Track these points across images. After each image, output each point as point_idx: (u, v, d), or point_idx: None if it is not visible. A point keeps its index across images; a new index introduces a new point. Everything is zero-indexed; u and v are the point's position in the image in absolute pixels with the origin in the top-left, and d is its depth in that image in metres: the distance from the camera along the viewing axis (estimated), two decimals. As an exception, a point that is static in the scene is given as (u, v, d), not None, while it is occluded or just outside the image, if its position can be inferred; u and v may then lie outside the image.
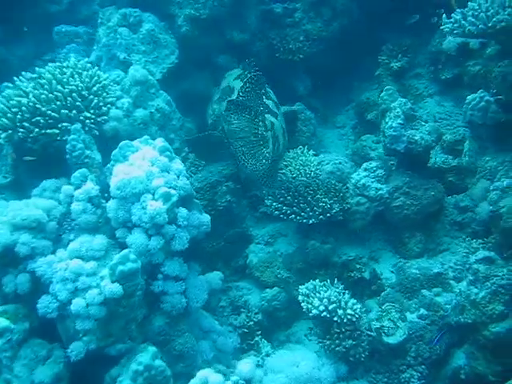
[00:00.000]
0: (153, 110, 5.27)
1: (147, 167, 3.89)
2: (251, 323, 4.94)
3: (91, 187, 4.00)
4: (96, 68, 5.07)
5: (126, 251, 3.71)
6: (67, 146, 4.49)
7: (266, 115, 4.29)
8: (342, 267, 4.91)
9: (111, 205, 3.93)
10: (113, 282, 3.71)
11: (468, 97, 4.59)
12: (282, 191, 4.79)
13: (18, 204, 4.12)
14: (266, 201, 4.87)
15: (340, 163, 5.06)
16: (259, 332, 4.93)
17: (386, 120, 4.85)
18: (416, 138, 4.76)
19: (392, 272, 4.87)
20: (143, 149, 4.05)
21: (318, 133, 6.33)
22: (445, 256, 4.77)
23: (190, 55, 5.80)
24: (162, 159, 4.00)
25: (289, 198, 4.71)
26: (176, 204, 3.92)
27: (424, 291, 4.51)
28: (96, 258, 3.90)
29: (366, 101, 6.24)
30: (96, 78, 4.95)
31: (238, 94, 4.49)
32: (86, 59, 5.14)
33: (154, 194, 3.87)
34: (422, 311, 4.40)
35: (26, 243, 3.91)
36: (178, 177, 4.06)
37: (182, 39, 5.66)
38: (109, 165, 4.22)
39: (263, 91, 4.52)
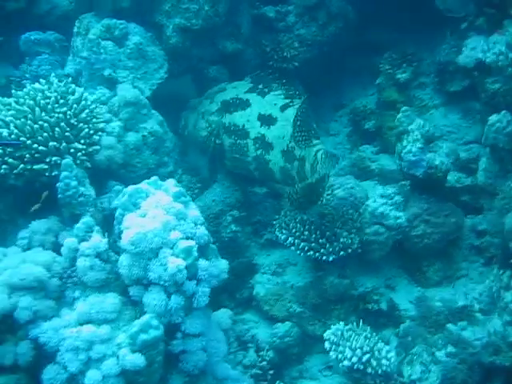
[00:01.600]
0: (145, 133, 4.80)
1: (163, 217, 3.47)
2: (264, 363, 4.63)
3: (99, 240, 3.56)
4: (82, 89, 4.55)
5: (147, 317, 3.32)
6: (60, 185, 4.01)
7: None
8: (358, 299, 4.65)
9: (124, 261, 3.50)
10: (133, 351, 3.30)
11: (491, 118, 4.33)
12: (298, 224, 4.43)
13: (14, 259, 3.64)
14: (278, 234, 4.51)
15: (352, 188, 4.74)
16: (272, 372, 4.63)
17: (404, 143, 4.56)
18: (436, 162, 4.50)
19: (411, 302, 4.63)
20: (156, 194, 3.62)
21: (313, 141, 6.00)
22: (467, 285, 4.57)
23: (180, 67, 5.31)
24: (177, 206, 3.58)
25: (306, 232, 4.37)
26: (197, 257, 3.52)
27: (450, 325, 4.29)
28: (109, 320, 3.48)
29: (363, 109, 5.94)
30: (84, 101, 4.44)
31: (297, 120, 4.27)
32: (70, 79, 4.59)
33: (172, 248, 3.45)
34: (450, 348, 4.19)
35: (27, 307, 3.44)
36: (195, 224, 3.64)
37: (172, 51, 5.15)
38: (116, 214, 3.75)
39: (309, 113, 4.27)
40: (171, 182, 3.74)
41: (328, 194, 4.74)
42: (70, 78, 4.55)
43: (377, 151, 5.68)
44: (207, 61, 5.46)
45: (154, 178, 3.82)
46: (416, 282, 4.76)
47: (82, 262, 3.53)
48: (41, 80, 4.53)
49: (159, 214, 3.47)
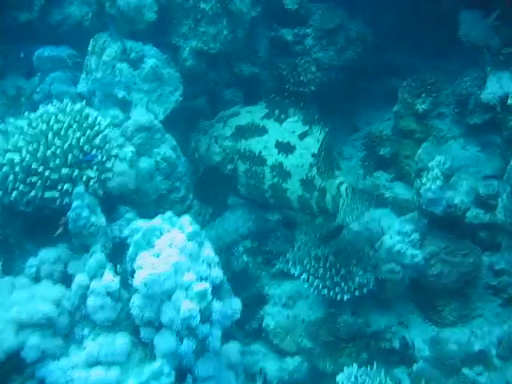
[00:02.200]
0: (158, 159, 4.71)
1: (177, 258, 3.37)
2: (272, 399, 4.54)
3: (111, 280, 3.46)
4: (96, 114, 4.44)
5: (159, 364, 3.23)
6: (71, 215, 3.91)
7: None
8: (370, 337, 4.54)
9: (136, 301, 3.40)
10: (143, 399, 3.21)
11: (514, 159, 4.23)
12: (312, 260, 4.33)
13: (22, 294, 3.54)
14: (292, 269, 4.40)
15: (367, 222, 4.63)
16: (280, 407, 4.55)
17: (423, 181, 4.45)
18: (455, 201, 4.40)
19: (424, 342, 4.52)
20: (170, 232, 3.51)
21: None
22: (483, 326, 4.45)
23: (195, 90, 5.21)
24: (191, 246, 3.48)
25: (320, 270, 4.26)
26: (211, 300, 3.42)
27: (465, 370, 4.19)
28: (118, 362, 3.38)
29: (379, 134, 5.83)
30: (97, 126, 4.32)
31: (321, 151, 4.30)
32: (84, 101, 4.48)
33: (186, 291, 3.35)
34: (465, 395, 4.09)
35: (34, 346, 3.35)
36: (209, 265, 3.54)
37: (187, 73, 5.04)
38: (129, 251, 3.65)
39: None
40: (187, 219, 3.64)
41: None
42: (84, 101, 4.42)
43: (391, 179, 5.58)
44: (223, 83, 5.36)
45: (168, 213, 3.72)
46: (430, 320, 4.66)
47: (92, 301, 3.44)
48: (54, 102, 4.42)
49: (173, 255, 3.37)
